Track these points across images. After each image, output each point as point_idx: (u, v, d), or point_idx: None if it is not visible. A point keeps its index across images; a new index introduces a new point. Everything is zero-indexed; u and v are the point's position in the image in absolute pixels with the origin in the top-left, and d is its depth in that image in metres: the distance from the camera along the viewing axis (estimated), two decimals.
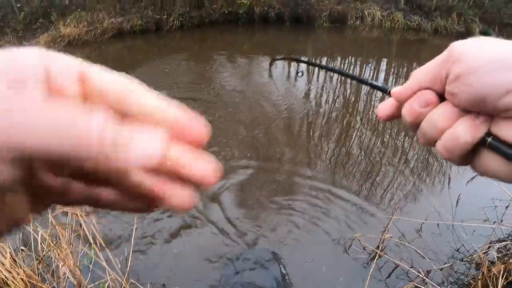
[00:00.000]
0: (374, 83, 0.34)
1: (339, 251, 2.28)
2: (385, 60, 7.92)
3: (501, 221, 2.40)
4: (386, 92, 0.33)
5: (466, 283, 2.03)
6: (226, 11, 9.07)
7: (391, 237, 2.17)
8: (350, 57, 7.79)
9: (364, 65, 7.30)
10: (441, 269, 2.10)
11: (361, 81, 0.36)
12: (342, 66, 7.18)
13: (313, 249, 2.30)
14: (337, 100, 4.98)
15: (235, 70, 6.05)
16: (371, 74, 6.80)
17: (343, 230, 2.44)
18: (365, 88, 5.03)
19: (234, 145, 3.54)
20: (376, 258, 2.08)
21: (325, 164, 3.31)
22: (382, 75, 6.71)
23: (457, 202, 2.53)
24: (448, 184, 2.90)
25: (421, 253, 2.14)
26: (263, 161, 3.28)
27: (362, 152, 3.51)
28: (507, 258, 1.94)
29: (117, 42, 7.99)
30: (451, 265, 2.14)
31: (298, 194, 2.88)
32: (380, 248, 2.15)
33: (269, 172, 3.14)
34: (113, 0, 8.91)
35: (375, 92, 4.89)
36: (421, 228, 2.43)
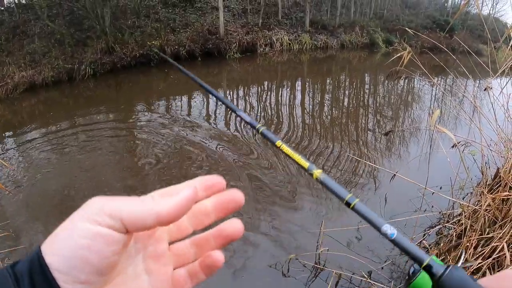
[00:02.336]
0: (245, 117, 0.29)
1: (277, 276, 2.18)
2: (300, 79, 8.40)
3: (432, 207, 2.52)
4: (255, 128, 0.30)
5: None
6: (138, 54, 9.11)
7: (328, 249, 2.16)
8: (265, 82, 8.12)
9: (280, 88, 7.66)
10: (382, 268, 2.12)
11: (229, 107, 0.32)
12: (259, 92, 7.35)
13: (248, 280, 2.18)
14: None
15: (154, 112, 6.06)
16: (289, 95, 7.11)
17: (276, 254, 2.34)
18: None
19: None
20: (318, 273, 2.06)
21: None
22: (299, 94, 7.09)
23: (386, 201, 2.69)
24: (375, 186, 3.03)
25: (361, 258, 2.14)
26: None
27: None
28: (441, 244, 2.01)
29: (30, 96, 7.59)
30: (391, 261, 2.17)
31: None
32: (319, 262, 2.15)
33: None
34: (23, 53, 8.62)
35: None
36: (359, 233, 2.45)
